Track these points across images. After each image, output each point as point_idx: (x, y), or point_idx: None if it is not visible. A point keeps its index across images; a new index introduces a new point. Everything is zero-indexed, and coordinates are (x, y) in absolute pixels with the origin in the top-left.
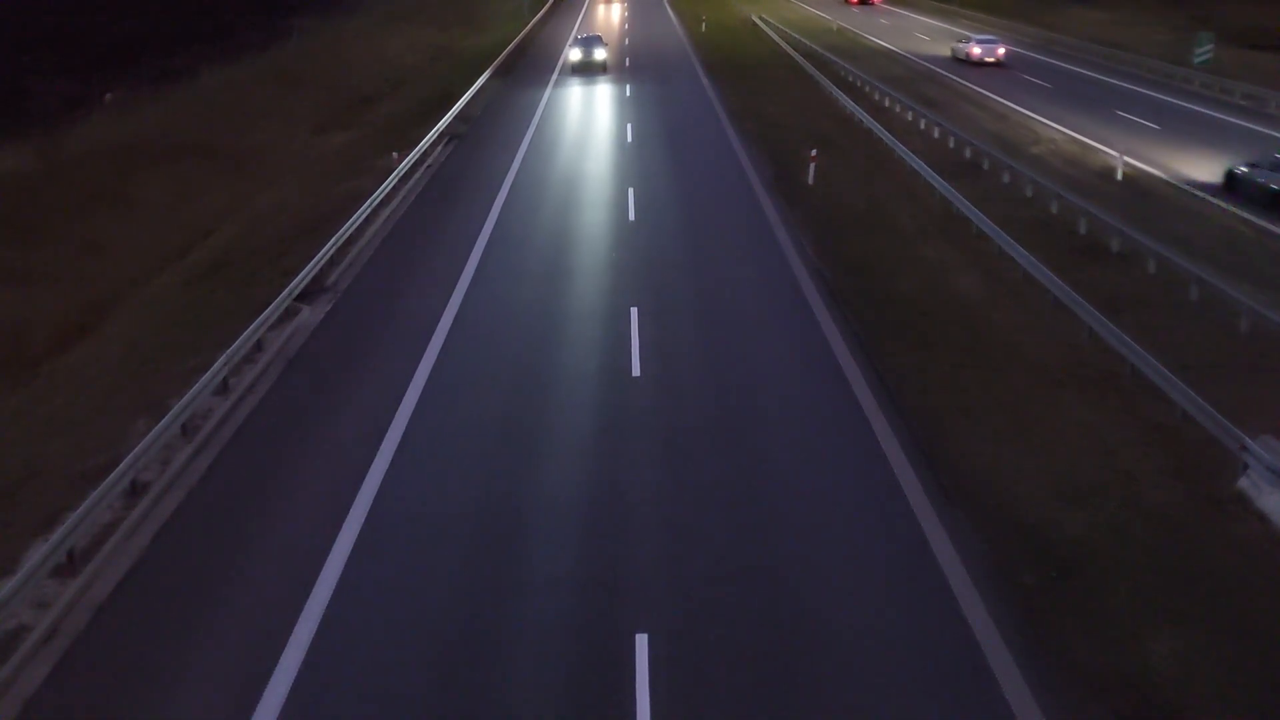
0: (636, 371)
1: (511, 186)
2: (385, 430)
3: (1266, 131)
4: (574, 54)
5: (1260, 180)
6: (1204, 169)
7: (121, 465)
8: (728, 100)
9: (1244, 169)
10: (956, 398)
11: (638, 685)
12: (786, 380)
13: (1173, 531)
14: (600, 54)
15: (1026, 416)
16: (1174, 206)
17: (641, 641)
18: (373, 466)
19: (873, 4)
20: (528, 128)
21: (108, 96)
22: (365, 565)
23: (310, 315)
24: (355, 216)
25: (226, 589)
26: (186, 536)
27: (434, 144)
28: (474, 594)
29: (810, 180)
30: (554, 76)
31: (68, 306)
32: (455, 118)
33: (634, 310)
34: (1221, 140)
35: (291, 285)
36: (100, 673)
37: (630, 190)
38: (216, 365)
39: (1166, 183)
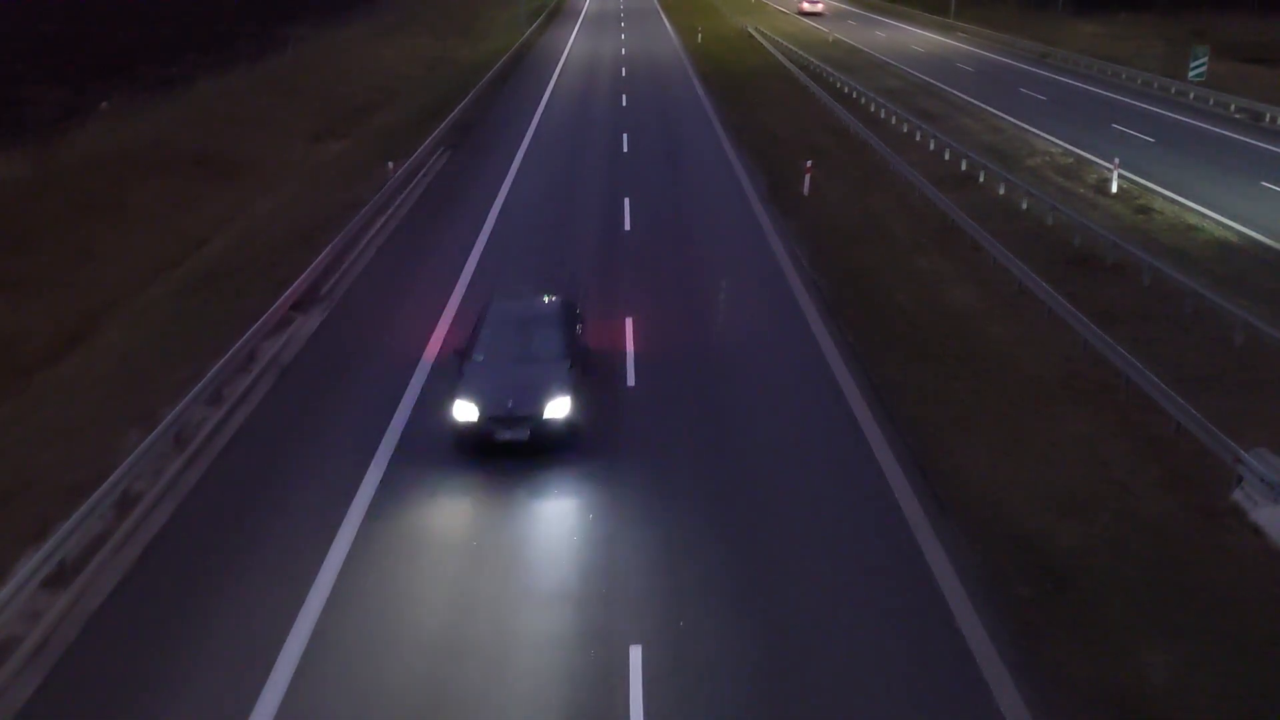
0: (631, 382)
1: (507, 195)
2: (379, 440)
3: (1262, 145)
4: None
5: None
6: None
7: (113, 476)
8: (723, 111)
9: None
10: (951, 409)
11: (631, 697)
12: (781, 392)
13: (1168, 544)
14: None
15: (1022, 428)
16: (1168, 218)
17: (636, 652)
18: (366, 477)
19: (821, 13)
20: (524, 136)
21: (103, 105)
22: (358, 577)
23: (305, 324)
24: (350, 225)
25: (218, 601)
26: (178, 548)
27: (430, 152)
28: (467, 609)
29: (805, 191)
30: (551, 84)
31: (61, 316)
32: (451, 126)
33: (629, 320)
34: (1215, 153)
35: (286, 294)
36: (91, 685)
37: (626, 200)
38: (209, 375)
39: (1160, 195)
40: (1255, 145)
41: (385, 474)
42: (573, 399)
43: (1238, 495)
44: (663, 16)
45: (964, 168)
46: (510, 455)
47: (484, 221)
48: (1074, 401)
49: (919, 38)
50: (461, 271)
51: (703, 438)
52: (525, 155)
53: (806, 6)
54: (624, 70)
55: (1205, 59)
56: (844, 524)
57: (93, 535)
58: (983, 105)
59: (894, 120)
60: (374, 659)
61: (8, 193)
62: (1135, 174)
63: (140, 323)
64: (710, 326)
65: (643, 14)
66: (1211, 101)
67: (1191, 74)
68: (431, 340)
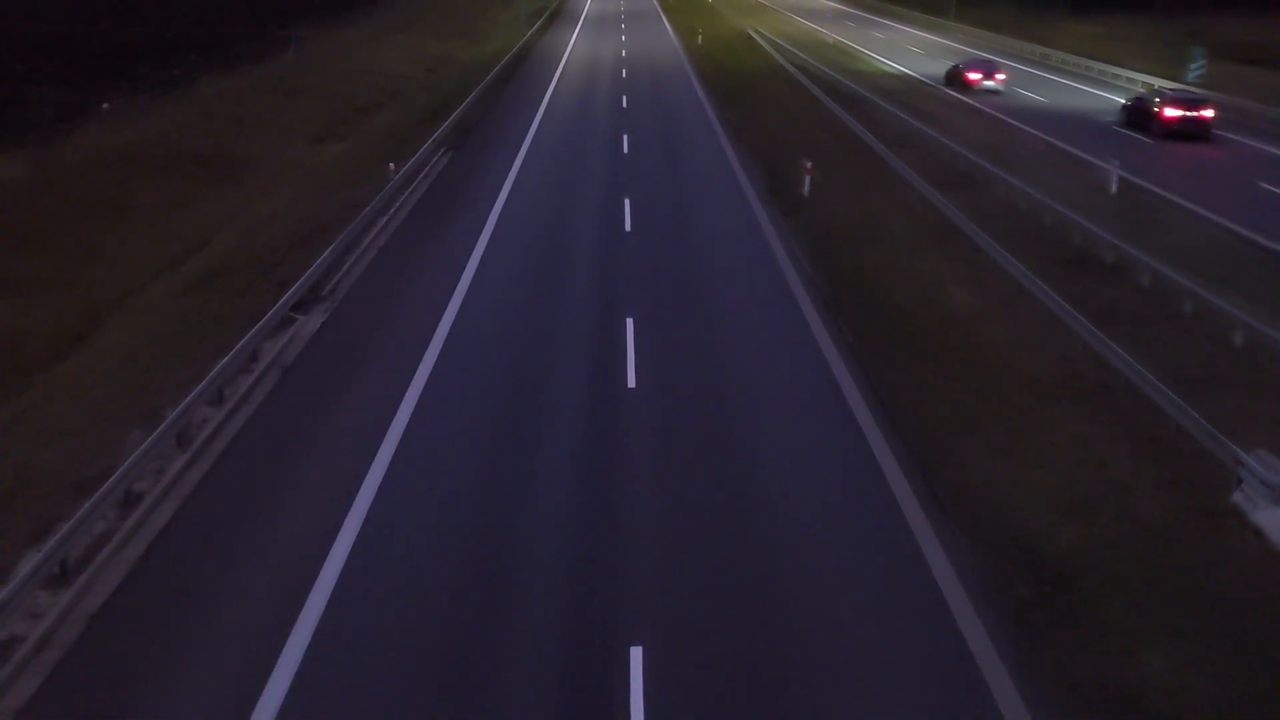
0: (632, 383)
1: (508, 196)
2: (381, 439)
3: (1262, 147)
4: None
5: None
6: (1195, 182)
7: (115, 475)
8: (723, 111)
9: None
10: (952, 410)
11: (632, 698)
12: (782, 393)
13: (1167, 545)
14: None
15: (1022, 429)
16: (1167, 219)
17: (636, 654)
18: (368, 476)
19: None
20: (524, 137)
21: (105, 105)
22: (359, 577)
23: (306, 324)
24: (352, 226)
25: (219, 600)
26: (180, 547)
27: (431, 153)
28: (462, 625)
29: (805, 191)
30: (552, 85)
31: (63, 315)
32: (452, 127)
33: (630, 321)
34: (1213, 151)
35: (288, 294)
36: (93, 684)
37: (626, 201)
38: (211, 375)
39: (1159, 195)
40: (1252, 146)
41: (387, 474)
42: None
43: (1238, 497)
44: (663, 18)
45: (962, 168)
46: None
47: (485, 222)
48: (1073, 402)
49: (918, 39)
50: (463, 272)
51: (703, 439)
52: (526, 156)
53: None
54: (624, 71)
55: (1203, 60)
56: (844, 524)
57: (95, 534)
58: (980, 105)
59: (893, 121)
60: (374, 670)
61: (10, 193)
62: (1134, 175)
63: (142, 323)
64: (711, 326)
65: (643, 16)
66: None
67: (1191, 75)
68: (434, 339)
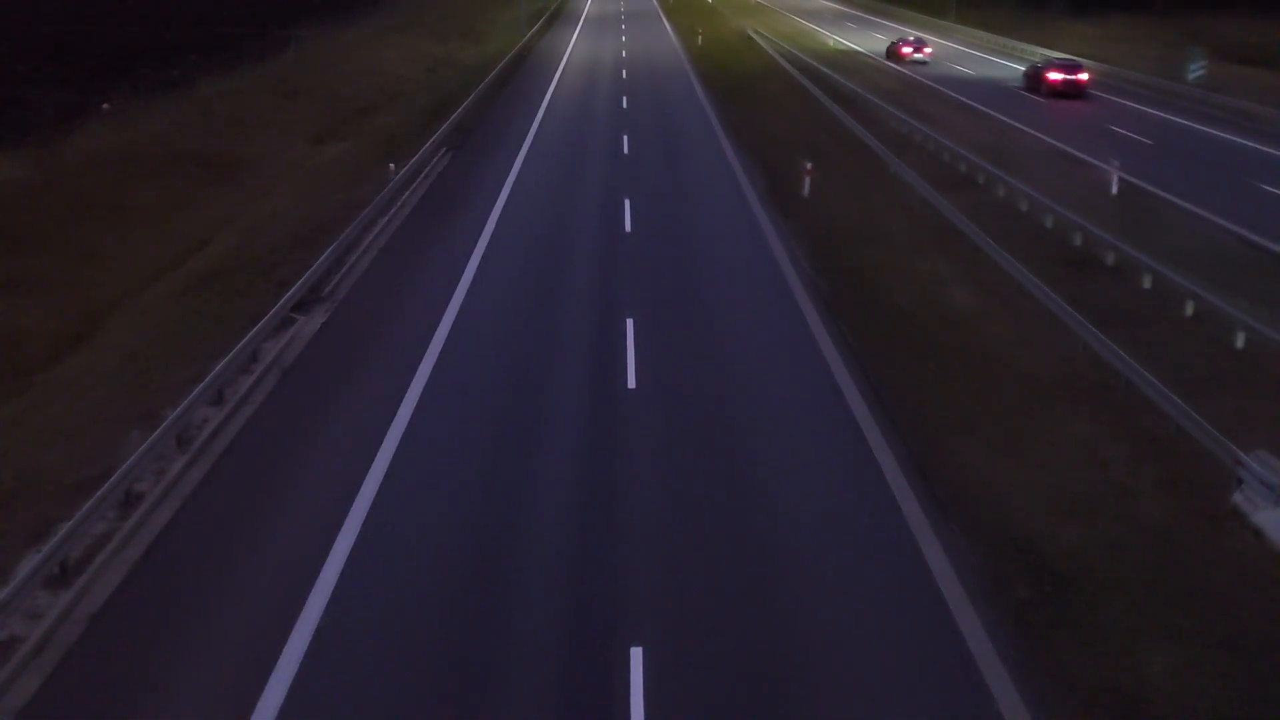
0: (632, 383)
1: (508, 196)
2: (381, 439)
3: (1263, 149)
4: None
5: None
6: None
7: (115, 476)
8: (723, 112)
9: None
10: (952, 410)
11: (632, 698)
12: (782, 393)
13: (1167, 546)
14: None
15: (1021, 429)
16: (1168, 220)
17: (636, 654)
18: (368, 477)
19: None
20: (525, 138)
21: (105, 106)
22: (359, 577)
23: (306, 325)
24: (352, 226)
25: (219, 600)
26: (180, 547)
27: (431, 154)
28: (463, 625)
29: (805, 192)
30: (552, 86)
31: (63, 316)
32: (452, 128)
33: (630, 321)
34: (1213, 153)
35: (288, 295)
36: (93, 685)
37: (626, 201)
38: (211, 376)
39: (1159, 196)
40: (1254, 148)
41: (387, 474)
42: None
43: (1238, 498)
44: (663, 19)
45: (962, 169)
46: None
47: (485, 222)
48: (1074, 402)
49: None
50: (463, 272)
51: (703, 439)
52: (526, 157)
53: None
54: (624, 72)
55: (1204, 61)
56: (844, 524)
57: (95, 535)
58: (978, 105)
59: (892, 121)
60: (374, 670)
61: (10, 193)
62: (1136, 177)
63: (142, 323)
64: (711, 327)
65: (643, 16)
66: (1211, 103)
67: (1191, 77)
68: (434, 339)
